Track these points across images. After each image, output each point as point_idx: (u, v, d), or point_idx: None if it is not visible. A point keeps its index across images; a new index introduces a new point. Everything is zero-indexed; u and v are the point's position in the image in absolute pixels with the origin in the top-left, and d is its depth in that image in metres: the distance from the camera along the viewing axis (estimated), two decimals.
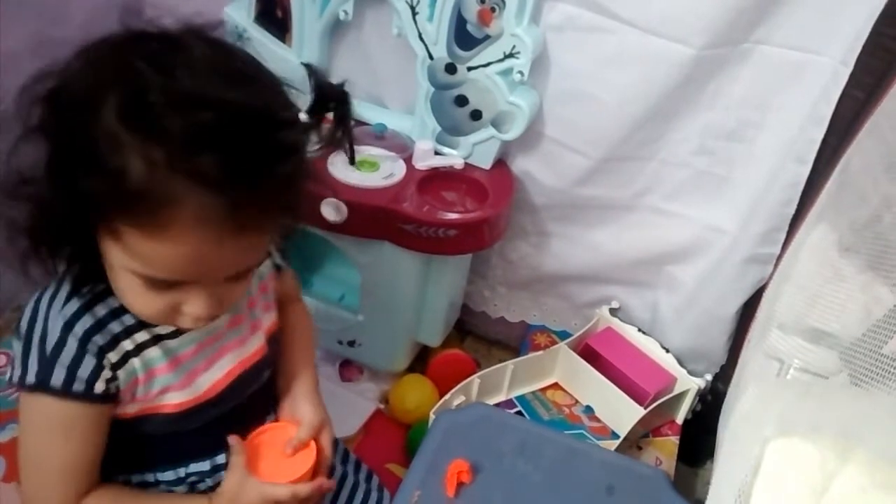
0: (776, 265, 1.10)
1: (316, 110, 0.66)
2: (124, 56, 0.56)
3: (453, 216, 1.15)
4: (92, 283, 0.66)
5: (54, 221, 0.60)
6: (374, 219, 1.14)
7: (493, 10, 1.08)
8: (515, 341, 1.51)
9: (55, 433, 0.68)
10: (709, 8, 1.00)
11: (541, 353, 1.29)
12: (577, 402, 1.30)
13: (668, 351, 1.29)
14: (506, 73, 1.13)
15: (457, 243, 1.17)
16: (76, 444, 0.68)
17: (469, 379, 1.20)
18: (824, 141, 1.02)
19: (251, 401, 0.81)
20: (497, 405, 1.25)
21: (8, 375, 0.68)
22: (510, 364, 1.25)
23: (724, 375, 1.24)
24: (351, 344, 1.36)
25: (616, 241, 1.29)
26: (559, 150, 1.21)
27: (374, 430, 1.34)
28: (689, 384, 1.25)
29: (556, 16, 1.09)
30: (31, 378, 0.65)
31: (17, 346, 0.67)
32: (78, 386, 0.66)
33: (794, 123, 1.06)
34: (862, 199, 0.83)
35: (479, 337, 1.56)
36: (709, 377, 1.26)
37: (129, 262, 0.60)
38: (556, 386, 1.32)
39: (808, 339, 0.76)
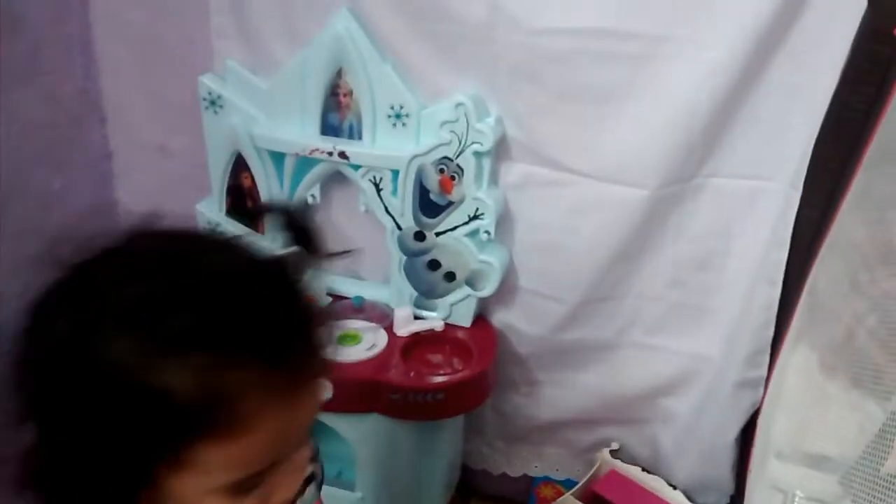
0: (766, 388, 1.10)
1: (299, 241, 0.62)
2: (90, 287, 0.54)
3: (440, 379, 1.15)
4: None
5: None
6: (361, 392, 1.14)
7: (452, 178, 1.13)
8: (521, 496, 1.47)
9: None
10: (656, 151, 1.06)
11: None
12: None
13: (675, 487, 1.26)
14: (473, 234, 1.17)
15: (447, 406, 1.17)
16: None
17: None
18: (789, 261, 1.05)
19: None
20: None
21: None
22: None
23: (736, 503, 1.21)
24: None
25: (606, 380, 1.29)
26: (535, 300, 1.23)
27: None
28: None
29: (514, 176, 1.14)
30: None
31: None
32: None
33: (757, 248, 1.10)
34: (834, 318, 0.85)
35: (483, 496, 1.52)
36: None
37: (211, 481, 0.54)
38: None
39: (807, 465, 0.76)
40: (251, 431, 0.53)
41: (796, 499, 0.73)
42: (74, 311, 0.52)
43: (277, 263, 0.59)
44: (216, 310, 0.52)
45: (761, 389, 1.12)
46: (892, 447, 0.67)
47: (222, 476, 0.54)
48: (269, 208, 0.65)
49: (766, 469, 0.84)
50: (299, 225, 0.63)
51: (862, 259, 0.85)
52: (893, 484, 0.63)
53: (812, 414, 0.79)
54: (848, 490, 0.69)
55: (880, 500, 0.62)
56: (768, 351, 1.09)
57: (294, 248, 0.62)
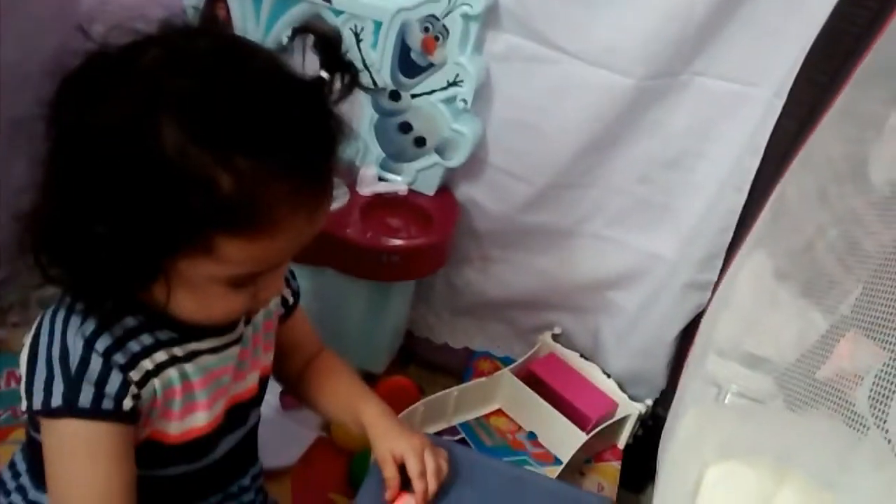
0: (713, 292, 1.13)
1: (330, 64, 0.64)
2: (142, 73, 0.56)
3: (397, 242, 1.15)
4: (108, 303, 0.64)
5: (112, 264, 0.59)
6: (317, 245, 1.12)
7: (436, 38, 1.09)
8: (459, 368, 1.50)
9: (87, 457, 0.64)
10: (649, 40, 1.03)
11: (484, 379, 1.29)
12: (520, 428, 1.29)
13: (609, 376, 1.30)
14: (449, 100, 1.14)
15: (400, 270, 1.17)
16: (111, 467, 0.65)
17: (413, 406, 1.19)
18: (759, 170, 1.05)
19: (236, 449, 0.80)
20: (441, 432, 1.24)
21: (25, 404, 0.65)
22: (454, 391, 1.24)
23: (665, 400, 1.25)
24: None
25: (559, 267, 1.30)
26: (503, 178, 1.22)
27: (315, 459, 1.31)
28: (631, 409, 1.26)
29: (500, 46, 1.11)
30: (56, 400, 0.62)
31: (28, 370, 0.64)
32: (107, 404, 0.63)
33: (731, 153, 1.09)
34: (797, 228, 0.85)
35: (422, 363, 1.54)
36: (650, 402, 1.27)
37: (221, 271, 0.60)
38: (499, 412, 1.32)
39: (745, 364, 0.78)
40: (274, 236, 0.59)
41: (730, 394, 0.76)
42: (128, 94, 0.56)
43: (319, 82, 0.63)
44: (266, 118, 0.57)
45: (709, 293, 1.14)
46: (831, 355, 0.69)
47: (233, 269, 0.60)
48: (309, 29, 0.66)
49: (703, 365, 0.86)
50: (336, 52, 0.65)
51: (834, 174, 0.85)
52: (825, 388, 0.66)
53: (758, 317, 0.80)
54: (782, 390, 0.71)
55: (813, 401, 0.65)
56: (723, 256, 1.11)
57: (326, 73, 0.64)
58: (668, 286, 1.19)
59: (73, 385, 0.63)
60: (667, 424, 1.06)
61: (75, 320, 0.64)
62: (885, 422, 0.58)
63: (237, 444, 0.81)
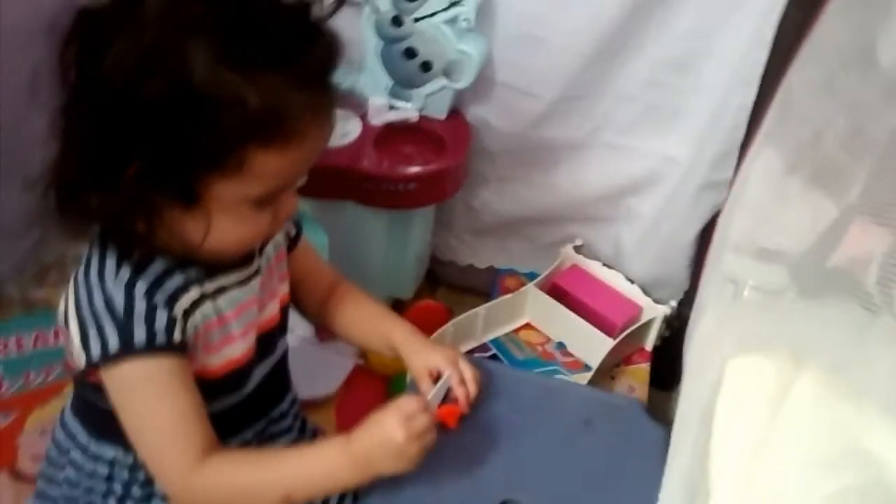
0: (730, 190, 1.13)
1: None
2: (156, 5, 0.59)
3: (413, 170, 1.16)
4: (138, 249, 0.68)
5: (143, 189, 0.62)
6: (335, 179, 1.15)
7: None
8: (485, 287, 1.53)
9: (152, 392, 0.68)
10: None
11: (510, 295, 1.32)
12: (549, 339, 1.33)
13: (632, 282, 1.32)
14: (452, 21, 1.14)
15: (418, 196, 1.19)
16: (175, 398, 0.69)
17: (443, 328, 1.22)
18: (768, 64, 1.04)
19: (270, 377, 0.84)
20: (471, 350, 1.28)
21: (84, 360, 0.68)
22: (481, 309, 1.28)
23: (689, 301, 1.27)
24: None
25: (574, 180, 1.31)
26: (512, 95, 1.22)
27: (355, 386, 1.36)
28: (655, 312, 1.28)
29: None
30: (113, 346, 0.66)
31: (80, 327, 0.67)
32: (160, 338, 0.67)
33: (738, 48, 1.08)
34: (804, 119, 0.85)
35: (450, 286, 1.58)
36: (674, 303, 1.29)
37: (251, 188, 0.64)
38: (527, 326, 1.35)
39: (760, 258, 0.79)
40: (299, 146, 0.63)
41: (747, 288, 0.77)
42: (146, 25, 0.58)
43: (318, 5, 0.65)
44: (279, 33, 0.60)
45: (724, 192, 1.15)
46: (841, 242, 0.70)
47: (263, 185, 0.64)
48: None
49: (720, 263, 0.87)
50: None
51: (840, 62, 0.84)
52: (838, 275, 0.67)
53: (770, 211, 0.81)
54: (795, 281, 0.72)
55: (826, 289, 0.66)
56: (736, 153, 1.11)
57: None
58: (683, 188, 1.20)
59: (124, 328, 0.66)
60: (690, 323, 1.09)
61: (110, 271, 0.68)
62: (892, 303, 0.60)
63: (270, 372, 0.85)
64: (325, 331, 1.45)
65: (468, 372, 0.83)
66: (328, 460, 0.73)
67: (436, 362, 0.83)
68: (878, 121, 0.76)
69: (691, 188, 1.18)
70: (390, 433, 0.70)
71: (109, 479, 0.81)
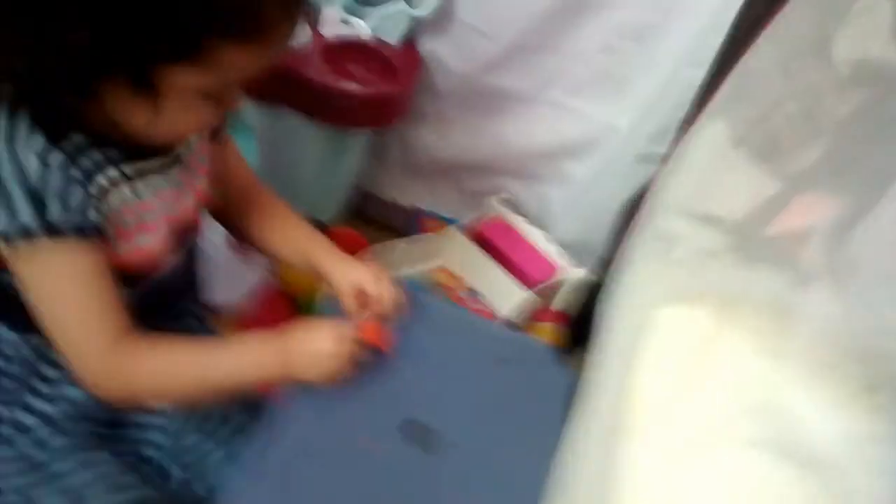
0: (662, 165, 1.16)
1: None
2: None
3: (357, 87, 1.13)
4: (53, 120, 0.61)
5: (85, 67, 0.57)
6: (277, 81, 1.10)
7: None
8: (404, 227, 1.52)
9: (66, 276, 0.63)
10: None
11: (431, 234, 1.32)
12: (461, 286, 1.33)
13: (553, 242, 1.34)
14: None
15: (358, 116, 1.16)
16: (89, 281, 0.64)
17: (359, 255, 1.20)
18: (723, 48, 1.06)
19: (179, 271, 0.80)
20: None
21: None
22: (401, 242, 1.27)
23: (605, 267, 1.30)
24: None
25: (515, 133, 1.31)
26: (469, 34, 1.21)
27: (263, 303, 1.33)
28: (571, 274, 1.31)
29: None
30: (25, 221, 0.60)
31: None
32: (76, 217, 0.62)
33: (695, 28, 1.10)
34: (756, 98, 0.88)
35: (369, 220, 1.55)
36: (590, 268, 1.31)
37: (204, 80, 0.60)
38: (442, 270, 1.35)
39: (697, 221, 0.81)
40: (268, 41, 0.60)
41: (681, 247, 0.79)
42: None
43: None
44: None
45: (657, 166, 1.17)
46: (779, 214, 0.73)
47: (221, 78, 0.60)
48: None
49: (652, 224, 0.89)
50: None
51: (797, 50, 0.87)
52: (771, 243, 0.70)
53: (712, 179, 0.84)
54: (730, 244, 0.75)
55: (758, 254, 0.69)
56: (674, 130, 1.13)
57: None
58: (619, 157, 1.22)
59: (37, 200, 0.61)
60: (607, 283, 1.11)
61: (20, 137, 0.61)
62: (823, 273, 0.63)
63: (179, 266, 0.81)
64: (237, 238, 1.41)
65: (392, 292, 0.82)
66: (256, 352, 0.71)
67: (361, 277, 0.81)
68: (826, 108, 0.79)
69: (628, 158, 1.20)
70: (322, 345, 0.70)
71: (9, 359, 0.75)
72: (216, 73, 0.60)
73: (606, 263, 1.31)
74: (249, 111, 1.17)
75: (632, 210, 1.24)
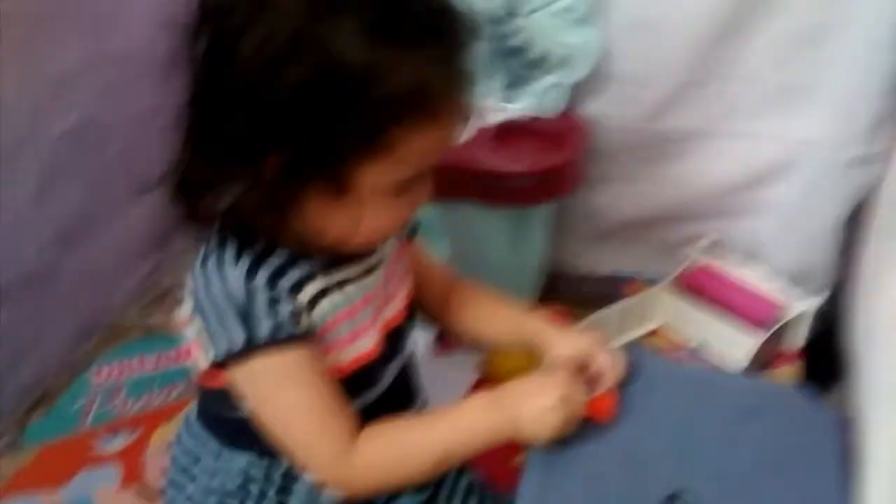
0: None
1: None
2: None
3: (526, 165, 1.12)
4: (257, 242, 0.65)
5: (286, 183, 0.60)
6: (452, 179, 1.11)
7: None
8: (604, 297, 1.46)
9: (290, 384, 0.65)
10: None
11: (639, 296, 1.24)
12: (679, 346, 1.24)
13: (772, 279, 1.22)
14: (562, 13, 1.10)
15: (537, 192, 1.14)
16: (314, 385, 0.66)
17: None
18: None
19: (399, 380, 0.80)
20: None
21: (211, 355, 0.65)
22: (606, 312, 1.20)
23: (840, 292, 1.17)
24: None
25: (700, 173, 1.24)
26: (628, 87, 1.17)
27: None
28: (801, 308, 1.18)
29: None
30: (238, 342, 0.63)
31: (202, 323, 0.65)
32: (287, 329, 0.64)
33: (872, 16, 1.00)
34: None
35: (565, 297, 1.50)
36: (822, 297, 1.19)
37: (393, 174, 0.61)
38: (656, 332, 1.27)
39: None
40: (444, 125, 0.62)
41: None
42: (298, 2, 0.56)
43: None
44: (421, 8, 0.59)
45: (877, 166, 1.05)
46: None
47: (407, 168, 0.62)
48: None
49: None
50: None
51: None
52: None
53: None
54: None
55: None
56: (889, 123, 1.02)
57: None
58: (825, 170, 1.11)
59: (247, 320, 0.63)
60: (852, 311, 0.99)
61: (229, 263, 0.64)
62: None
63: (399, 375, 0.80)
64: (442, 343, 1.41)
65: (617, 359, 0.77)
66: (482, 413, 0.69)
67: (582, 347, 0.77)
68: None
69: (837, 168, 1.09)
70: (545, 400, 0.67)
71: (243, 487, 0.77)
72: (404, 164, 0.61)
73: (838, 287, 1.18)
74: (430, 211, 1.18)
75: (854, 221, 1.13)
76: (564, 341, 0.78)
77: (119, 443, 1.21)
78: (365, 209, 0.63)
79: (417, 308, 0.86)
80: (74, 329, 1.33)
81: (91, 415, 1.24)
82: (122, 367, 1.27)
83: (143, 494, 1.05)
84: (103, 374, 1.31)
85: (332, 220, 0.64)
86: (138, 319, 1.27)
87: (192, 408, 0.83)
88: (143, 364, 1.24)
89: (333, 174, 0.60)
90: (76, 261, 1.31)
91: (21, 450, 1.21)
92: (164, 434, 1.13)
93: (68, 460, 1.19)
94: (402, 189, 0.64)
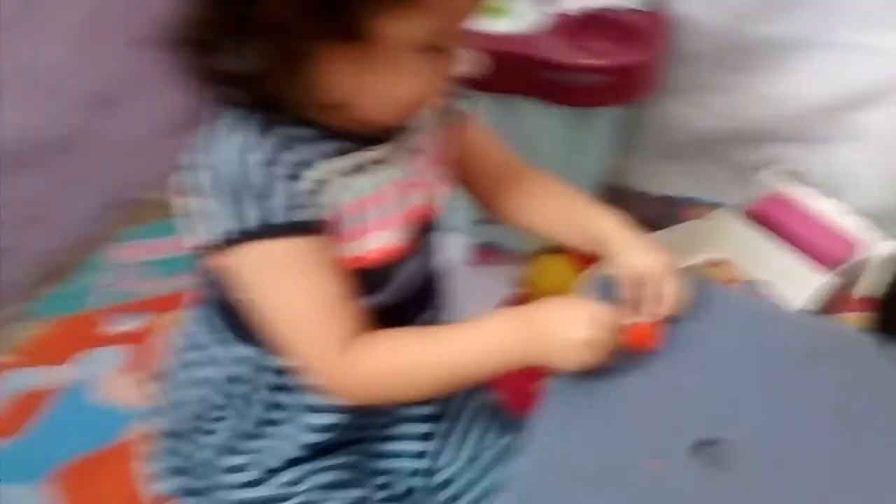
0: None
1: None
2: None
3: (598, 61, 1.01)
4: (264, 114, 0.58)
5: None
6: (510, 70, 1.01)
7: None
8: (662, 219, 1.35)
9: (295, 274, 0.59)
10: None
11: (695, 222, 1.14)
12: (739, 277, 1.14)
13: (853, 214, 1.11)
14: None
15: (602, 93, 1.04)
16: (320, 278, 0.60)
17: None
18: None
19: (419, 276, 0.73)
20: None
21: (212, 237, 0.59)
22: (660, 235, 1.10)
23: None
24: (486, 221, 1.25)
25: (790, 88, 1.13)
26: None
27: None
28: (878, 249, 1.07)
29: None
30: (250, 221, 0.57)
31: (204, 201, 0.59)
32: (300, 213, 0.58)
33: None
34: None
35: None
36: None
37: (414, 27, 0.54)
38: (713, 261, 1.17)
39: None
40: None
41: None
42: None
43: None
44: None
45: None
46: None
47: (430, 21, 0.54)
48: None
49: None
50: None
51: None
52: None
53: None
54: None
55: None
56: None
57: None
58: None
59: (260, 200, 0.56)
60: None
61: (235, 138, 0.58)
62: None
63: (421, 279, 0.74)
64: (479, 253, 1.33)
65: (678, 290, 0.68)
66: (500, 334, 0.62)
67: (653, 263, 0.68)
68: None
69: None
70: (576, 332, 0.60)
71: (250, 380, 0.72)
72: (430, 14, 0.54)
73: None
74: (484, 105, 1.08)
75: None
76: (637, 252, 0.69)
77: (129, 325, 1.20)
78: (388, 71, 0.56)
79: (466, 190, 0.79)
80: (95, 202, 1.30)
81: (102, 292, 1.23)
82: (139, 248, 1.25)
83: (149, 379, 1.01)
84: (121, 253, 1.28)
85: (352, 86, 0.57)
86: (161, 200, 1.22)
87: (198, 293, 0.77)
88: (161, 246, 1.21)
89: (350, 24, 0.53)
90: (104, 129, 1.27)
91: (28, 321, 1.20)
92: (174, 320, 1.09)
93: (75, 337, 1.17)
94: (429, 48, 0.56)
